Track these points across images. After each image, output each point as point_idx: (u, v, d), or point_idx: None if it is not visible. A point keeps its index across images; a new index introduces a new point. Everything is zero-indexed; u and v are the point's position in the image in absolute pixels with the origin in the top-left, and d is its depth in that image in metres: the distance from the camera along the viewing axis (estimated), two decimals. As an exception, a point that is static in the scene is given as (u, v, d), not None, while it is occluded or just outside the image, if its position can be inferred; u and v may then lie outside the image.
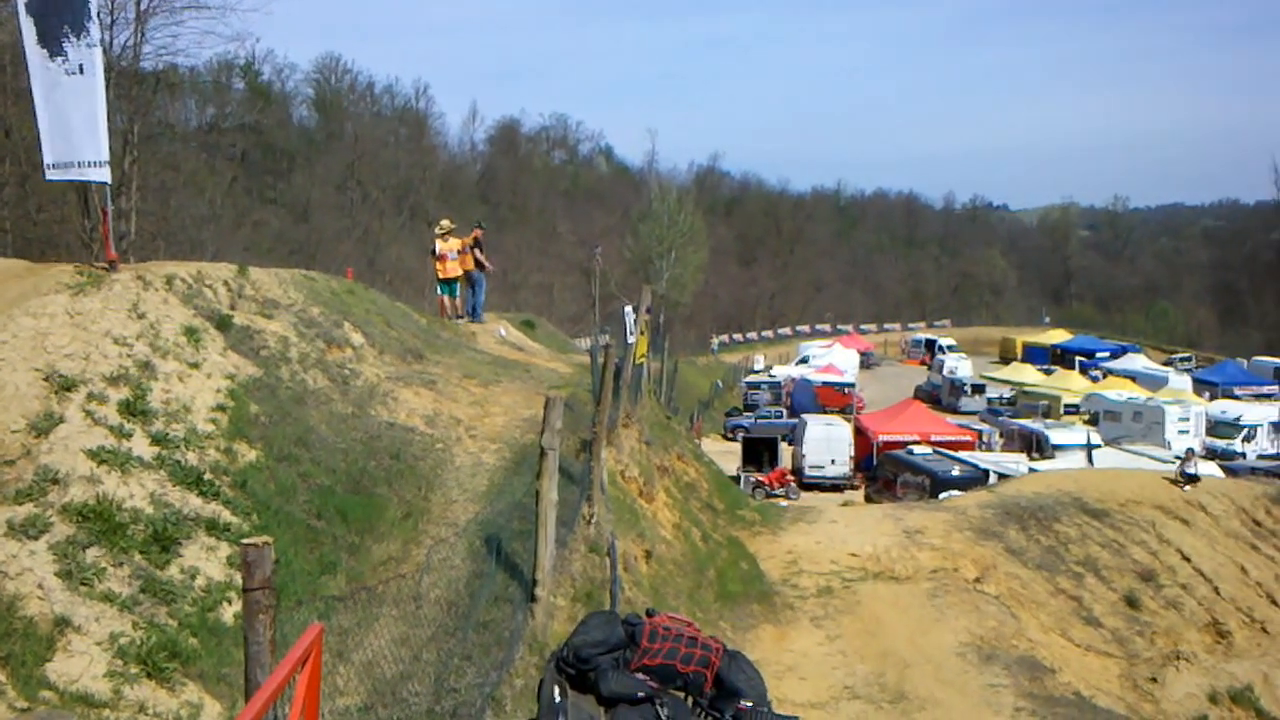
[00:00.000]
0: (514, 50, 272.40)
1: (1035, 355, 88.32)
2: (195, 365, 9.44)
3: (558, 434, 7.92)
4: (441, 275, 21.22)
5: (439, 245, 21.27)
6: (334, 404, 10.61)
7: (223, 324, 10.39)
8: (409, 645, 7.17)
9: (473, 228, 22.32)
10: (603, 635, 5.73)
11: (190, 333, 9.75)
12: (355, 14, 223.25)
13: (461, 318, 21.04)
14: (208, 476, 8.17)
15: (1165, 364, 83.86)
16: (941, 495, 25.61)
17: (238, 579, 4.96)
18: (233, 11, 46.88)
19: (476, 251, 21.50)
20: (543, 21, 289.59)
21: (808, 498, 34.52)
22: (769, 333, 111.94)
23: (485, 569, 7.82)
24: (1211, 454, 42.82)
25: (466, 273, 21.51)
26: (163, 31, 25.14)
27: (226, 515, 7.90)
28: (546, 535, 7.72)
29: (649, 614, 5.95)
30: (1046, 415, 55.13)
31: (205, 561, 7.36)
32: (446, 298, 21.25)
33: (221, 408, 9.17)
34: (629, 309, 13.46)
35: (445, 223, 22.26)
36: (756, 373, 77.03)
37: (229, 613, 7.00)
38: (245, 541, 3.95)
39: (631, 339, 12.94)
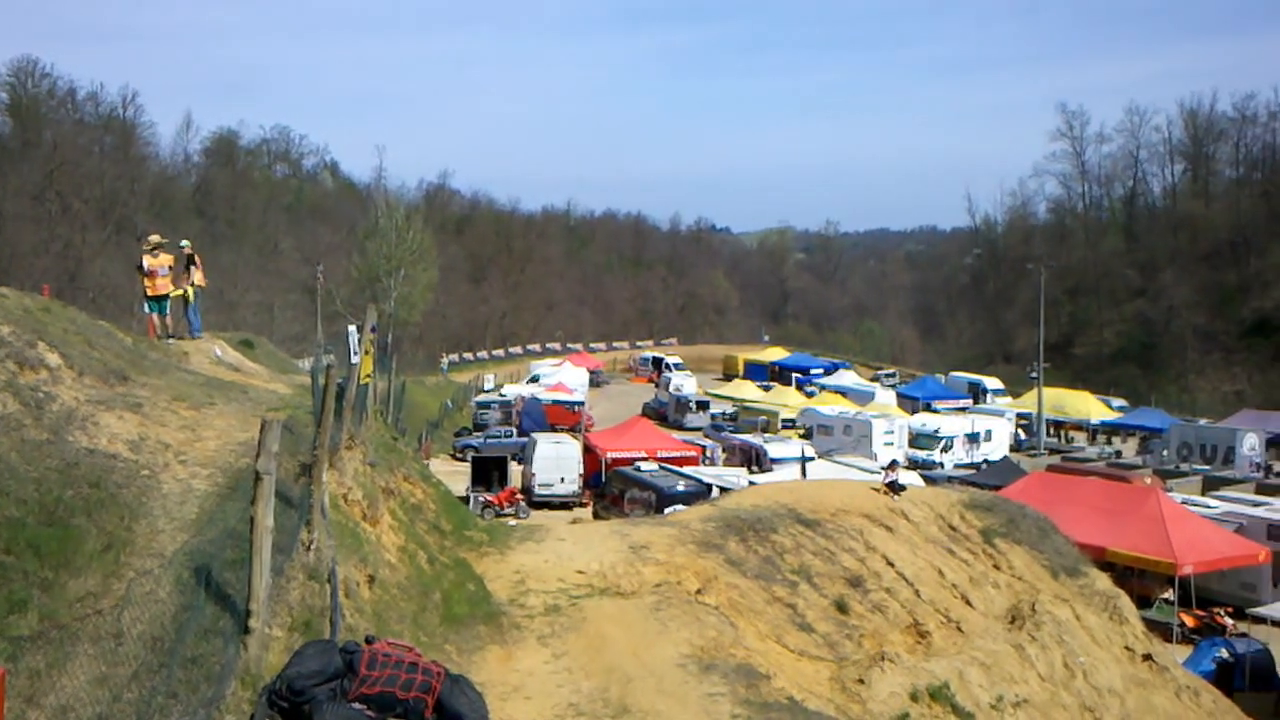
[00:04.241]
0: (233, 60, 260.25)
1: (756, 372, 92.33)
2: None
3: (274, 457, 7.64)
4: (150, 292, 20.03)
5: (147, 261, 20.10)
6: (26, 430, 9.81)
7: (-110, 343, 9.40)
8: (108, 685, 6.72)
9: (182, 247, 21.26)
10: (319, 665, 5.58)
11: None
12: (55, 16, 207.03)
13: (173, 337, 19.93)
14: None
15: (872, 380, 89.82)
16: (667, 510, 26.25)
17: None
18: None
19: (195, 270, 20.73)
20: (263, 31, 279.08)
21: (538, 516, 34.74)
22: (500, 352, 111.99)
23: (194, 601, 7.43)
24: (913, 464, 46.12)
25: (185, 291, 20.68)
26: None
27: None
28: (261, 563, 7.41)
29: (369, 641, 5.84)
30: (765, 430, 57.71)
31: None
32: (156, 316, 20.06)
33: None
34: (353, 328, 13.14)
35: (154, 237, 21.07)
36: (487, 392, 76.87)
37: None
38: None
39: (356, 359, 12.64)
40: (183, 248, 21.21)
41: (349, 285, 74.72)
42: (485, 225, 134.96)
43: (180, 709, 6.56)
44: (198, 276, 20.93)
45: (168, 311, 20.25)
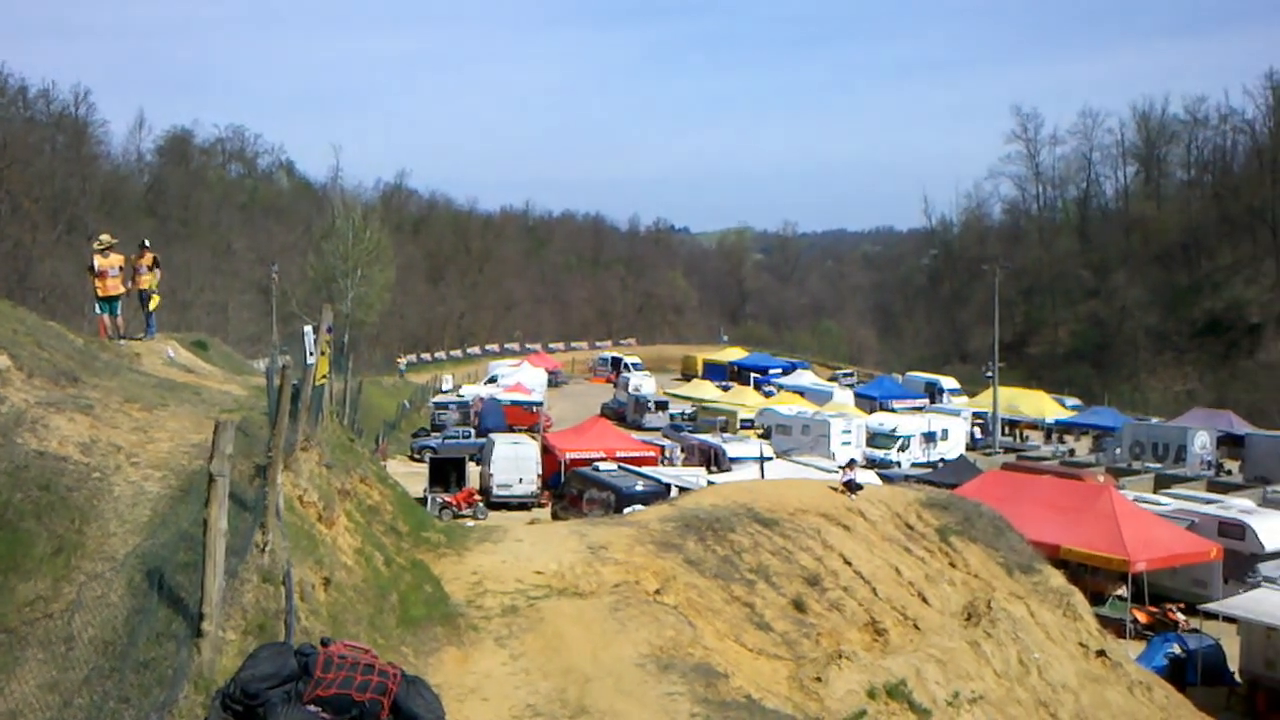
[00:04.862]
0: (186, 58, 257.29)
1: (715, 372, 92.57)
2: None
3: (228, 459, 7.55)
4: (101, 293, 19.82)
5: (98, 261, 19.87)
6: (-28, 432, 9.64)
7: None
8: (59, 690, 6.61)
9: (141, 248, 21.20)
10: (273, 668, 5.52)
11: None
12: (5, 12, 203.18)
13: (125, 338, 19.70)
14: None
15: (830, 379, 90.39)
16: (626, 510, 26.28)
17: None
18: None
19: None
20: (217, 29, 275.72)
21: (496, 517, 34.63)
22: (458, 352, 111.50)
23: (146, 605, 7.33)
24: (871, 463, 46.45)
25: (141, 291, 20.55)
26: None
27: None
28: (214, 566, 7.33)
29: (324, 643, 5.79)
30: (724, 430, 57.86)
31: None
32: (107, 317, 19.83)
33: None
34: (309, 329, 13.03)
35: (105, 237, 20.85)
36: (445, 393, 76.54)
37: None
38: None
39: (311, 360, 12.54)
40: (147, 248, 21.15)
41: (305, 285, 74.20)
42: (443, 225, 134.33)
43: (132, 713, 6.48)
44: (153, 277, 20.90)
45: (119, 312, 20.04)
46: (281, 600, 8.44)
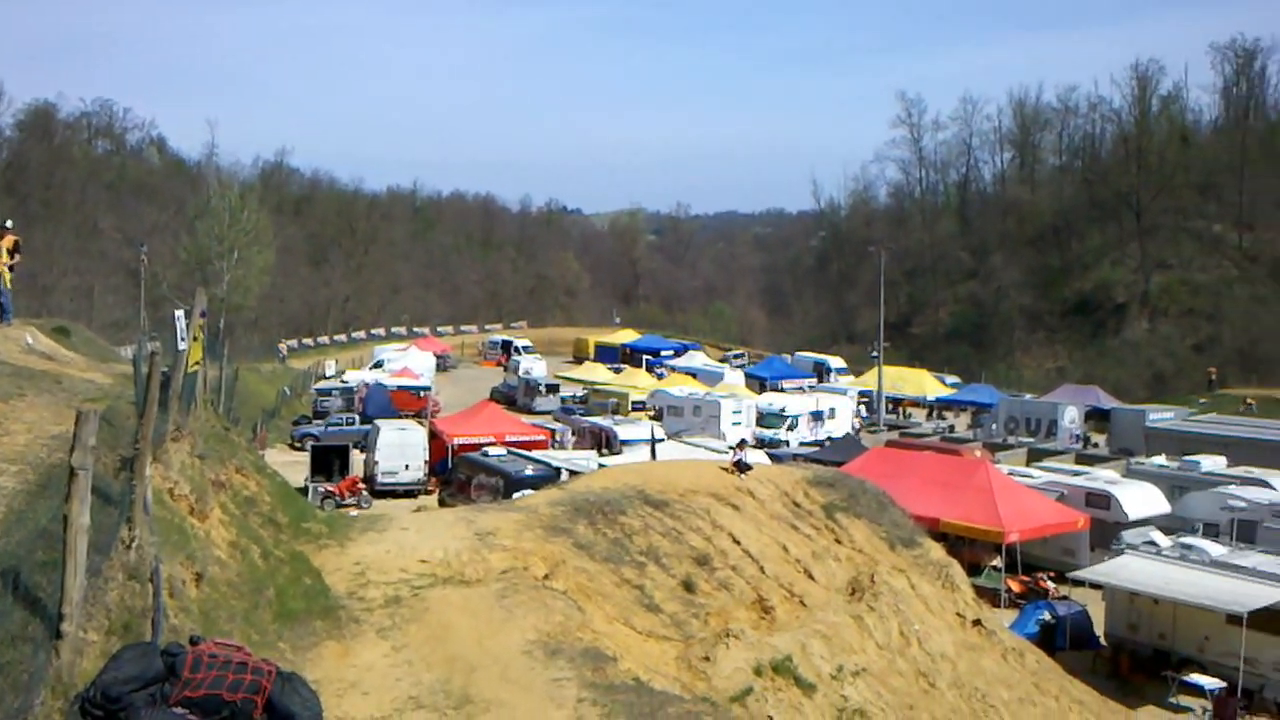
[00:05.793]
0: (50, 26, 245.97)
1: (607, 355, 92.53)
2: None
3: (91, 451, 7.19)
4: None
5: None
6: None
7: None
8: (-97, 703, 6.22)
9: (8, 227, 20.22)
10: (137, 669, 5.29)
11: None
12: None
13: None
14: None
15: (721, 361, 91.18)
16: (515, 495, 26.12)
17: None
18: None
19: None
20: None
21: (381, 505, 34.04)
22: (342, 337, 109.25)
23: (1, 606, 6.95)
24: (761, 443, 46.99)
25: None
26: None
27: None
28: (75, 564, 6.98)
29: (193, 641, 5.58)
30: (616, 412, 57.92)
31: None
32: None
33: None
34: (180, 313, 12.57)
35: (-43, 218, 19.82)
36: (328, 378, 74.98)
37: None
38: None
39: (183, 345, 12.10)
40: (8, 230, 20.14)
41: (178, 268, 71.72)
42: (326, 205, 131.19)
43: (-17, 723, 6.14)
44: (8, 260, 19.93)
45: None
46: (149, 598, 8.11)
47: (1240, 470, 36.06)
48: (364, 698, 10.19)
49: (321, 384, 69.83)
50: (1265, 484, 33.53)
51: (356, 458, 41.64)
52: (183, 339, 12.16)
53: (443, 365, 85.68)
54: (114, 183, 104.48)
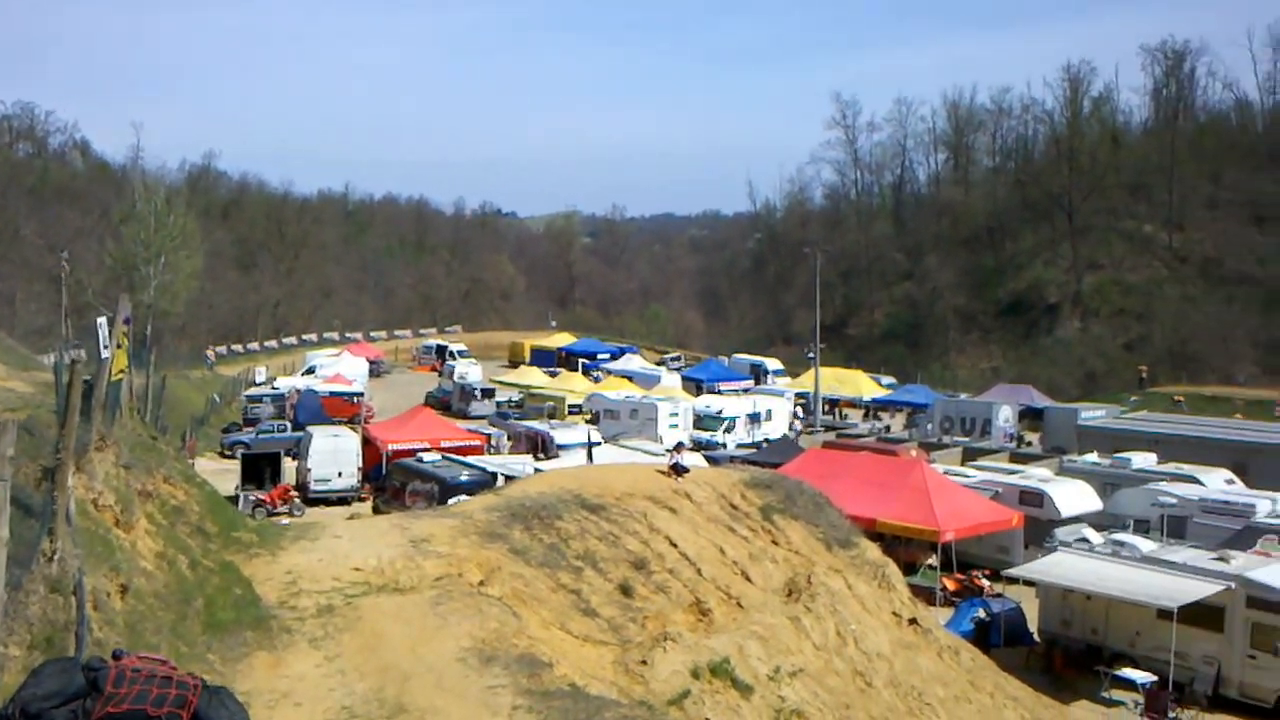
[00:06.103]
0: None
1: (543, 359, 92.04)
2: None
3: (10, 462, 6.98)
4: None
5: None
6: None
7: None
8: None
9: None
10: (57, 685, 5.12)
11: None
12: None
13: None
14: None
15: (658, 363, 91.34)
16: (451, 501, 25.87)
17: None
18: None
19: None
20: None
21: (314, 513, 33.54)
22: (273, 342, 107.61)
23: (-85, 624, 6.72)
24: (698, 445, 47.08)
25: None
26: None
27: None
28: (-6, 578, 6.78)
29: (116, 656, 5.41)
30: (552, 416, 57.64)
31: None
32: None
33: None
34: (103, 320, 12.28)
35: None
36: (258, 385, 73.88)
37: None
38: None
39: (106, 353, 11.81)
40: None
41: (102, 274, 70.04)
42: (255, 209, 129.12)
43: (-105, 745, 5.91)
44: None
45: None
46: (72, 611, 7.89)
47: (1170, 467, 36.72)
48: (296, 709, 10.01)
49: (252, 390, 68.75)
50: (1195, 480, 34.22)
51: (288, 465, 41.03)
52: (106, 346, 11.88)
53: (376, 371, 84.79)
54: (35, 187, 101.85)
